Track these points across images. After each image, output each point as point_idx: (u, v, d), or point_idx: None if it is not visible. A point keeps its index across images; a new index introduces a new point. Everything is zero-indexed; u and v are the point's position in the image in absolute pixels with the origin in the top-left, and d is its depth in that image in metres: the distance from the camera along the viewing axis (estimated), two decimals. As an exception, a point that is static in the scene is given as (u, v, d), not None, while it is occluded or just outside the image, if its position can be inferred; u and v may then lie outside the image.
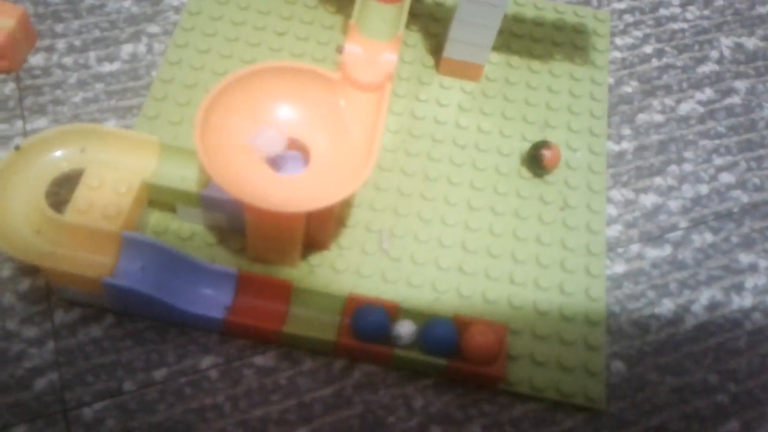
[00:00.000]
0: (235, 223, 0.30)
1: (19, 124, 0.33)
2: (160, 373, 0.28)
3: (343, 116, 0.29)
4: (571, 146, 0.36)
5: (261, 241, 0.29)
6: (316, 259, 0.31)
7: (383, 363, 0.29)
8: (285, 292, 0.29)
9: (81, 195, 0.28)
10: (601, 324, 0.31)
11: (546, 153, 0.34)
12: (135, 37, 0.36)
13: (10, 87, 0.34)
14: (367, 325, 0.28)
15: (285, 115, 0.29)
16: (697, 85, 0.39)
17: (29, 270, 0.29)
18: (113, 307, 0.28)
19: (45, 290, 0.29)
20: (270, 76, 0.29)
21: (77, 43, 0.36)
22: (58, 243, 0.27)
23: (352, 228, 0.32)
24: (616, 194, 0.35)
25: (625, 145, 0.37)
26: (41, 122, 0.33)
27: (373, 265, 0.31)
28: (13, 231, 0.27)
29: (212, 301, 0.28)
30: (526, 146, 0.35)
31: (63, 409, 0.27)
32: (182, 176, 0.30)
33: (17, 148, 0.28)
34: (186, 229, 0.31)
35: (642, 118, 0.38)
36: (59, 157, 0.29)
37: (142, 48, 0.36)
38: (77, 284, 0.27)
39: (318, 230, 0.30)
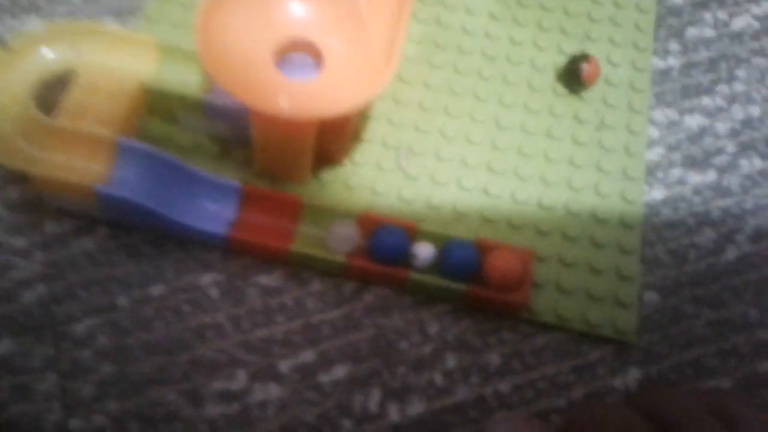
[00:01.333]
0: (240, 134, 0.28)
1: (8, 21, 0.31)
2: (156, 289, 0.26)
3: (361, 16, 0.27)
4: (612, 61, 0.32)
5: (268, 153, 0.27)
6: (328, 174, 0.29)
7: (398, 286, 0.27)
8: (293, 208, 0.27)
9: (73, 98, 0.26)
10: (635, 252, 0.28)
11: (585, 66, 0.31)
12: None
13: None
14: (386, 246, 0.26)
15: (296, 12, 0.26)
16: (754, -2, 0.35)
17: (17, 177, 0.27)
18: (106, 218, 0.27)
19: (34, 200, 0.27)
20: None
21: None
22: (47, 148, 0.25)
23: (368, 143, 0.30)
24: (659, 114, 0.32)
25: (672, 61, 0.33)
26: (33, 20, 0.31)
27: (389, 182, 0.29)
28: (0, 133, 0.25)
29: (214, 216, 0.26)
30: (562, 60, 0.32)
31: (52, 323, 0.25)
32: (184, 81, 0.27)
33: (4, 46, 0.26)
34: (188, 140, 0.29)
35: (691, 32, 0.34)
36: (50, 57, 0.27)
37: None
38: (68, 192, 0.25)
39: (331, 142, 0.27)
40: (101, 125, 0.26)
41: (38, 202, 0.27)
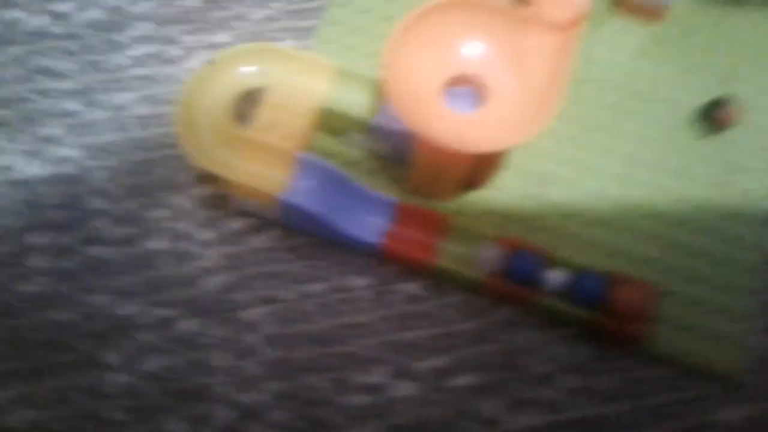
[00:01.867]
0: (398, 154, 0.31)
1: (204, 37, 0.35)
2: (317, 287, 0.30)
3: (526, 56, 0.29)
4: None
5: (423, 174, 0.30)
6: (472, 197, 0.31)
7: (528, 306, 0.29)
8: (441, 225, 0.30)
9: (263, 113, 0.30)
10: (758, 293, 0.30)
11: (722, 113, 0.32)
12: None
13: (197, 0, 0.36)
14: (522, 269, 0.28)
15: (469, 51, 0.29)
16: None
17: (207, 178, 0.32)
18: (282, 222, 0.30)
19: (220, 199, 0.31)
20: (459, 11, 0.28)
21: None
22: (240, 156, 0.29)
23: (508, 170, 0.32)
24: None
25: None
26: (224, 37, 0.35)
27: (526, 209, 0.31)
28: (201, 140, 0.29)
29: (372, 226, 0.30)
30: (702, 100, 0.33)
31: (229, 308, 0.29)
32: (355, 102, 0.30)
33: (211, 61, 0.30)
34: (349, 155, 0.32)
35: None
36: (245, 73, 0.30)
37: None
38: (253, 197, 0.29)
39: (481, 169, 0.30)
40: (286, 140, 0.29)
41: (221, 201, 0.31)
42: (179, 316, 0.29)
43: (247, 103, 0.31)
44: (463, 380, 0.29)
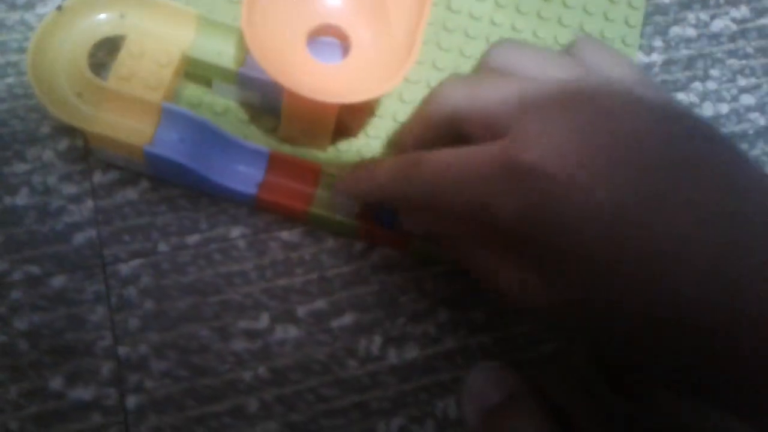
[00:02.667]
0: (268, 103, 0.31)
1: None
2: (192, 239, 0.30)
3: (386, 9, 0.30)
4: None
5: (294, 124, 0.30)
6: (343, 145, 0.32)
7: (398, 247, 0.31)
8: (314, 174, 0.30)
9: (123, 63, 0.29)
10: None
11: (576, 59, 0.34)
12: None
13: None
14: (389, 212, 0.29)
15: (331, 2, 0.29)
16: (734, 2, 0.39)
17: (68, 129, 0.30)
18: (150, 173, 0.30)
19: (83, 150, 0.30)
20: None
21: None
22: (99, 107, 0.28)
23: (381, 118, 0.33)
24: (639, 106, 0.36)
25: (655, 57, 0.37)
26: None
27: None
28: (56, 92, 0.28)
29: (244, 177, 0.30)
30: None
31: (102, 263, 0.29)
32: (220, 51, 0.30)
33: (59, 8, 0.28)
34: (220, 104, 0.32)
35: (675, 30, 0.38)
36: (101, 21, 0.29)
37: None
38: (117, 149, 0.29)
39: (350, 119, 0.31)
40: (148, 90, 0.29)
41: (87, 154, 0.30)
42: (50, 273, 0.28)
43: (105, 52, 0.30)
44: (342, 321, 0.30)
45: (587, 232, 0.21)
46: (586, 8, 0.37)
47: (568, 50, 0.27)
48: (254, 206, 0.30)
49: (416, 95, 0.34)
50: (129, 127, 0.28)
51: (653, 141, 0.21)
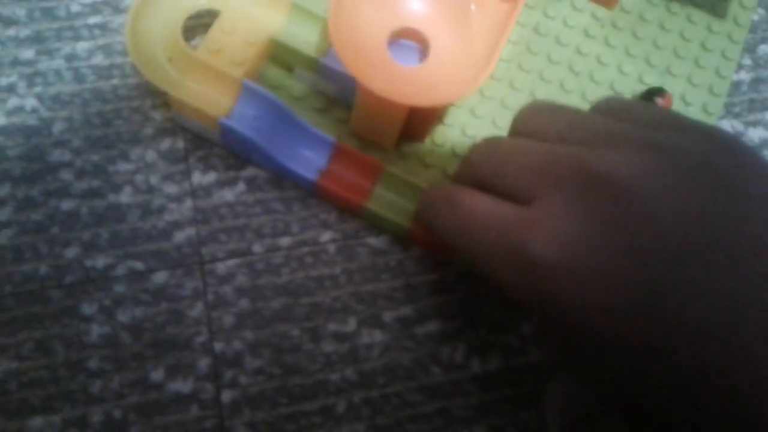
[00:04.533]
0: (343, 95, 0.32)
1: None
2: (284, 241, 0.31)
3: (470, 20, 0.30)
4: (687, 100, 0.35)
5: (364, 120, 0.31)
6: (409, 148, 0.33)
7: (448, 257, 0.31)
8: (375, 171, 0.31)
9: (214, 36, 0.30)
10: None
11: (659, 101, 0.34)
12: None
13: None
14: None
15: (415, 6, 0.30)
16: (826, 21, 0.38)
17: (169, 130, 0.32)
18: (221, 143, 0.31)
19: (183, 151, 0.32)
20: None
21: None
22: (186, 75, 0.29)
23: (449, 127, 0.33)
24: (726, 124, 0.36)
25: (743, 75, 0.37)
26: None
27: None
28: (150, 55, 0.29)
29: (308, 162, 0.31)
30: (640, 89, 0.35)
31: (200, 261, 0.30)
32: (306, 39, 0.31)
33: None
34: (298, 90, 0.33)
35: (763, 49, 0.38)
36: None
37: None
38: (195, 116, 0.30)
39: (418, 123, 0.31)
40: (233, 65, 0.30)
41: (186, 154, 0.32)
42: (152, 269, 0.30)
43: (199, 25, 0.31)
44: (426, 328, 0.30)
45: (584, 323, 0.21)
46: (677, 51, 0.36)
47: (597, 108, 0.26)
48: (313, 193, 0.31)
49: (488, 111, 0.34)
50: (210, 98, 0.29)
51: (680, 226, 0.20)
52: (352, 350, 0.30)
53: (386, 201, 0.31)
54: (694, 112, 0.35)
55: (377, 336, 0.30)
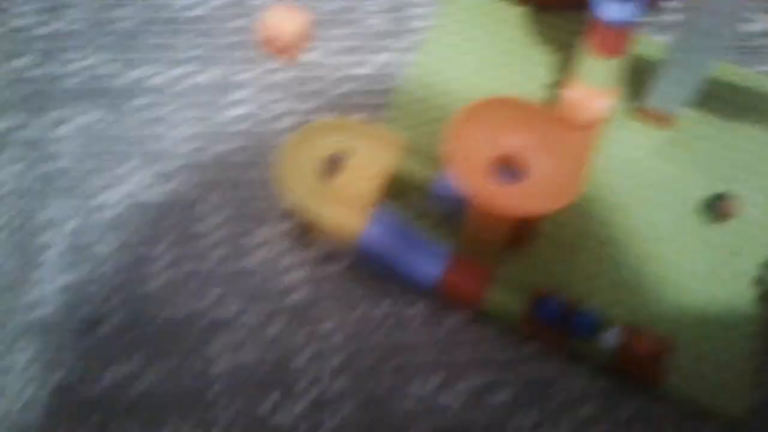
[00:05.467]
0: (451, 216, 0.38)
1: (296, 105, 0.43)
2: (377, 311, 0.37)
3: (558, 144, 0.36)
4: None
5: (473, 234, 0.37)
6: (512, 255, 0.38)
7: (554, 345, 0.35)
8: (486, 276, 0.36)
9: (344, 175, 0.37)
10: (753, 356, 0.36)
11: (723, 205, 0.39)
12: (384, 49, 0.45)
13: (291, 75, 0.44)
14: (549, 313, 0.34)
15: (516, 138, 0.36)
16: None
17: (290, 213, 0.39)
18: (357, 259, 0.38)
19: (301, 231, 0.39)
20: (508, 107, 0.36)
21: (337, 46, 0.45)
22: (324, 205, 0.36)
23: (544, 237, 0.39)
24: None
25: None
26: (311, 105, 0.43)
27: (557, 270, 0.38)
28: (297, 191, 0.37)
29: (429, 272, 0.36)
30: (706, 193, 0.40)
31: (308, 319, 0.36)
32: (417, 171, 0.38)
33: (306, 124, 0.38)
34: (410, 214, 0.39)
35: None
36: (331, 141, 0.38)
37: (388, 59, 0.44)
38: (334, 238, 0.36)
39: (520, 233, 0.37)
40: (361, 196, 0.37)
41: (302, 234, 0.38)
42: (269, 322, 0.36)
43: (332, 164, 0.39)
44: (497, 398, 0.34)
45: None
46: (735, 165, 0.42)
47: None
48: (439, 295, 0.37)
49: (574, 220, 0.39)
50: (346, 224, 0.36)
51: None
52: (430, 409, 0.34)
53: (497, 301, 0.36)
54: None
55: (453, 399, 0.34)
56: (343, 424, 0.33)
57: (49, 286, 0.37)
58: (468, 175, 0.35)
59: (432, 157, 0.38)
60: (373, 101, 0.43)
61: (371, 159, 0.38)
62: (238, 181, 0.40)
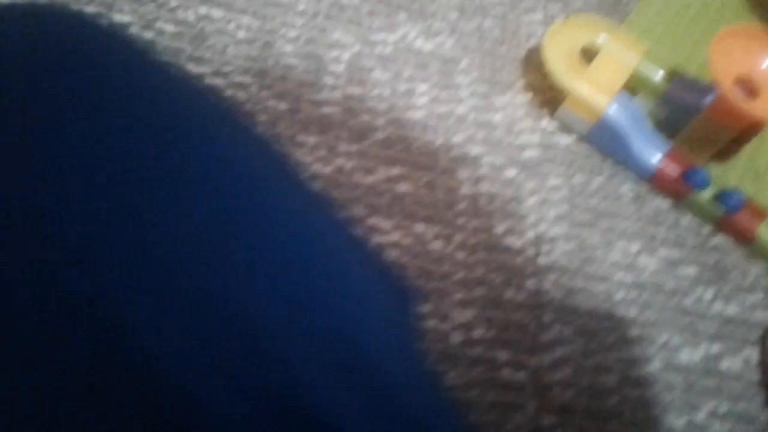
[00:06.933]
0: (669, 119, 0.44)
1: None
2: (596, 180, 0.43)
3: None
4: None
5: (694, 138, 0.43)
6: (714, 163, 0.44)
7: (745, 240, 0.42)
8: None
9: (599, 60, 0.44)
10: None
11: None
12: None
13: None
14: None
15: (760, 62, 0.43)
16: None
17: (535, 87, 0.45)
18: (587, 135, 0.44)
19: (539, 103, 0.45)
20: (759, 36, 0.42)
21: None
22: (577, 81, 0.43)
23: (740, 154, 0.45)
24: None
25: None
26: (557, 7, 0.49)
27: (746, 183, 0.44)
28: (559, 66, 0.43)
29: (650, 158, 0.43)
30: None
31: (538, 172, 0.43)
32: (656, 74, 0.44)
33: (564, 19, 0.44)
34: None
35: None
36: (587, 32, 0.45)
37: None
38: (581, 113, 0.43)
39: (735, 144, 0.43)
40: (609, 81, 0.43)
41: (544, 105, 0.45)
42: (505, 165, 0.43)
43: (592, 51, 0.45)
44: (685, 271, 0.41)
45: None
46: None
47: None
48: (651, 179, 0.43)
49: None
50: (593, 98, 0.42)
51: None
52: (631, 265, 0.41)
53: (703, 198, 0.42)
54: None
55: (651, 262, 0.41)
56: (558, 258, 0.40)
57: (331, 92, 0.43)
58: (723, 82, 0.41)
59: (667, 65, 0.45)
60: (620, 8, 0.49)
61: (618, 55, 0.44)
62: (492, 52, 0.47)
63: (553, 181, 0.43)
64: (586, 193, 0.43)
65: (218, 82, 0.42)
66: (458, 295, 0.38)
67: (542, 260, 0.40)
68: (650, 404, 0.37)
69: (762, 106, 0.42)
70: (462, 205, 0.41)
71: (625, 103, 0.43)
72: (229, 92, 0.42)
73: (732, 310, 0.40)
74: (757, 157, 0.46)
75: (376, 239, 0.39)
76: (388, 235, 0.39)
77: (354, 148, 0.41)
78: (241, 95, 0.42)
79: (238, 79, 0.42)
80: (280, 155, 0.23)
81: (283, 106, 0.42)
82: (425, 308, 0.37)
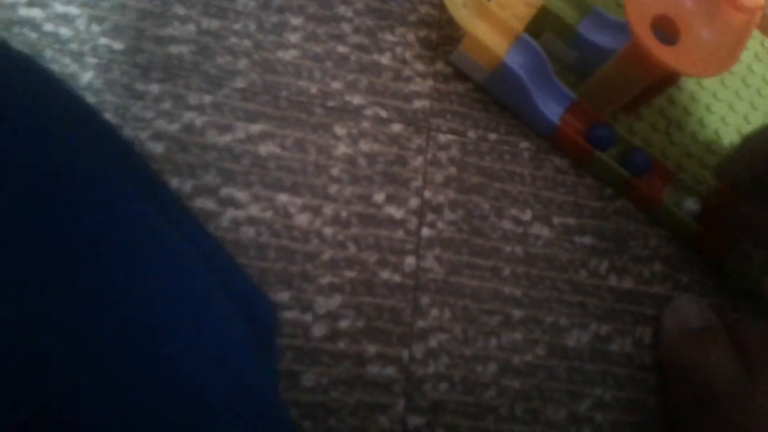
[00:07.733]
0: (578, 63, 0.39)
1: None
2: (492, 136, 0.38)
3: (716, 18, 0.37)
4: None
5: (603, 87, 0.38)
6: (620, 117, 0.40)
7: (645, 207, 0.38)
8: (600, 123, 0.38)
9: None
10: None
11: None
12: None
13: None
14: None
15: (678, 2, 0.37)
16: None
17: (428, 23, 0.39)
18: (484, 82, 0.38)
19: (435, 42, 0.39)
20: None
21: None
22: (477, 19, 0.36)
23: (650, 109, 0.40)
24: None
25: None
26: None
27: (653, 139, 0.40)
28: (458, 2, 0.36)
29: (551, 109, 0.38)
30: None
31: (428, 127, 0.37)
32: (566, 12, 0.38)
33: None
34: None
35: None
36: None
37: None
38: (477, 54, 0.37)
39: (645, 95, 0.38)
40: (515, 20, 0.37)
41: (436, 45, 0.39)
42: (392, 119, 0.37)
43: None
44: (583, 239, 0.37)
45: None
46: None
47: None
48: (551, 136, 0.38)
49: (682, 99, 0.41)
50: (492, 40, 0.36)
51: None
52: (524, 235, 0.37)
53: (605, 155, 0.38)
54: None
55: (545, 231, 0.37)
56: (443, 230, 0.36)
57: (182, 26, 0.36)
58: (637, 26, 0.35)
59: (579, 2, 0.39)
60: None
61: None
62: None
63: (442, 138, 0.37)
64: (479, 152, 0.38)
65: (35, 13, 0.34)
66: (325, 279, 0.33)
67: (425, 232, 0.36)
68: (530, 396, 0.34)
69: (680, 55, 0.36)
70: (336, 170, 0.35)
71: (527, 46, 0.37)
72: (48, 27, 0.34)
73: (627, 283, 0.37)
74: (669, 113, 0.41)
75: (230, 214, 0.33)
76: (244, 208, 0.33)
77: (207, 99, 0.35)
78: (65, 32, 0.34)
79: (61, 9, 0.34)
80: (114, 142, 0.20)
81: (118, 44, 0.34)
82: (285, 297, 0.33)
